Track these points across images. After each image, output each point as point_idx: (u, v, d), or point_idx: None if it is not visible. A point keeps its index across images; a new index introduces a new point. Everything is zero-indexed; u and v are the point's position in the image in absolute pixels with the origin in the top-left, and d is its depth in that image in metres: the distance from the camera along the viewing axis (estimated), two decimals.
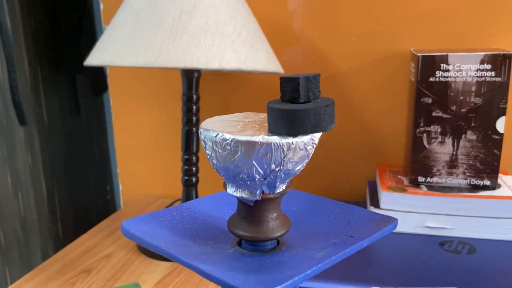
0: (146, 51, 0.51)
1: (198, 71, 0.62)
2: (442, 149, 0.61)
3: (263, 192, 0.26)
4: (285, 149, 0.24)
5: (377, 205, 0.61)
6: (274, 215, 0.27)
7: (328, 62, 0.71)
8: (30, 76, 0.76)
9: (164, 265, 0.58)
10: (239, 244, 0.28)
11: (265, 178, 0.25)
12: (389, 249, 0.56)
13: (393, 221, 0.27)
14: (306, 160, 0.26)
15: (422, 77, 0.59)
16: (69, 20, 0.86)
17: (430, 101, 0.60)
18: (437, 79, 0.59)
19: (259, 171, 0.25)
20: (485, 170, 0.60)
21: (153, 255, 0.61)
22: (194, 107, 0.63)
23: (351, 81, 0.71)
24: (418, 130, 0.61)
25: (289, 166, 0.25)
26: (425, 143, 0.62)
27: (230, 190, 0.27)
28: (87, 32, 0.90)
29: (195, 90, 0.62)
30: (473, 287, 0.47)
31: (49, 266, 0.58)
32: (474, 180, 0.61)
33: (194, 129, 0.63)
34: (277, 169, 0.25)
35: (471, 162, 0.61)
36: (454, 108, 0.60)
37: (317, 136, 0.25)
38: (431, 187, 0.62)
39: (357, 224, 0.28)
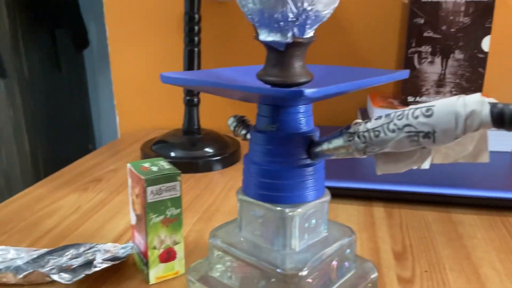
0: None
1: None
2: (431, 69, 0.65)
3: (293, 36, 0.28)
4: None
5: None
6: (301, 63, 0.30)
7: None
8: (10, 30, 0.74)
9: None
10: None
11: (297, 18, 0.28)
12: None
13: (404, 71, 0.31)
14: (333, 5, 0.29)
15: None
16: None
17: (422, 21, 0.63)
18: (429, 0, 0.62)
19: (292, 9, 0.27)
20: (470, 88, 0.65)
21: None
22: (196, 27, 0.64)
23: (345, 6, 0.74)
24: (410, 50, 0.65)
25: (320, 7, 0.28)
26: (416, 63, 0.65)
27: (263, 36, 0.29)
28: None
29: (197, 9, 0.64)
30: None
31: (58, 177, 0.60)
32: None
33: (196, 49, 0.65)
34: (309, 8, 0.27)
35: (457, 80, 0.65)
36: (444, 28, 0.63)
37: None
38: None
39: (376, 74, 0.32)
